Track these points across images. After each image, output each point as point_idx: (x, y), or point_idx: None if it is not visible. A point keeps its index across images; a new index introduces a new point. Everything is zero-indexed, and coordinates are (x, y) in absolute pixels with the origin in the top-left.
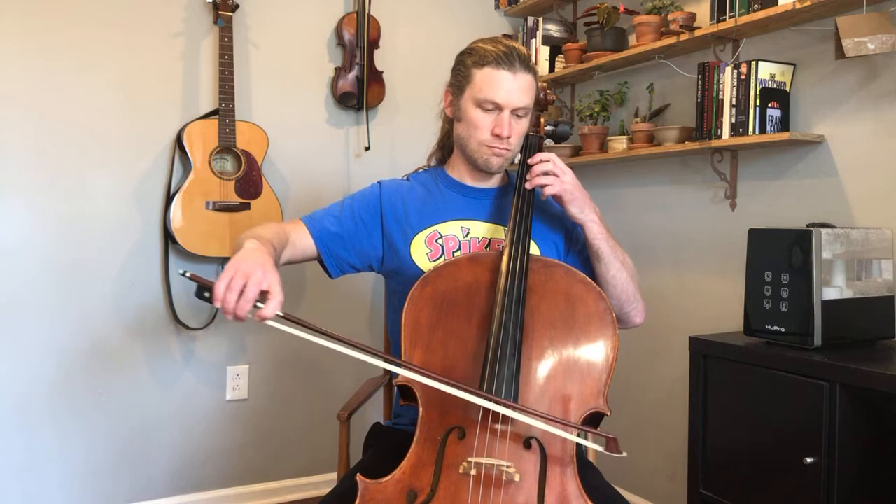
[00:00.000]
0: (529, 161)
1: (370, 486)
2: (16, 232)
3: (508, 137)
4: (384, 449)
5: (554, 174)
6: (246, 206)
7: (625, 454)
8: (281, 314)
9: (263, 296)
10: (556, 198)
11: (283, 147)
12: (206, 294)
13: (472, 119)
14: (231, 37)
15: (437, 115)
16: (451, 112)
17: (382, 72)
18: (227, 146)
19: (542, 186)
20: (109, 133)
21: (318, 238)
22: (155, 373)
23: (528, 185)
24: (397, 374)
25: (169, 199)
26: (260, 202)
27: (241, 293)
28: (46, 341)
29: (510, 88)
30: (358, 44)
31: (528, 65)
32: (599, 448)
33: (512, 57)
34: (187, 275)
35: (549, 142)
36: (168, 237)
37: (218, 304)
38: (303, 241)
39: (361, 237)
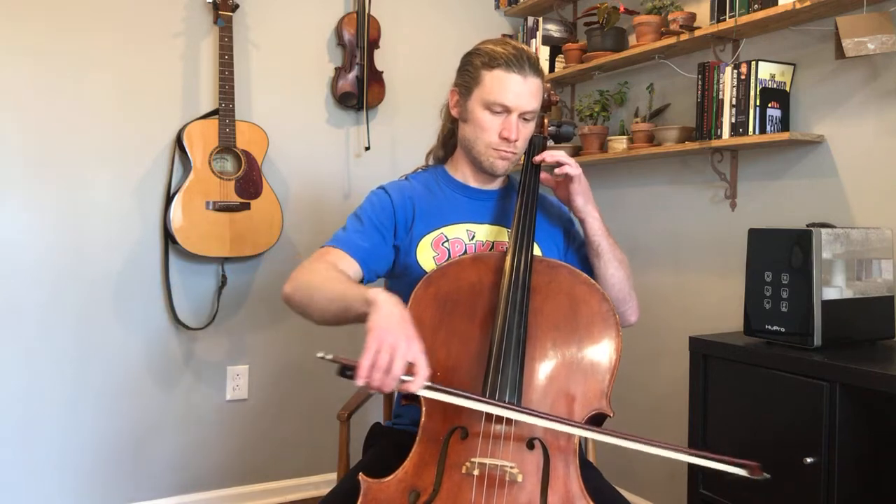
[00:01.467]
0: (536, 158)
1: (373, 486)
2: (16, 232)
3: (515, 141)
4: (385, 449)
5: (565, 163)
6: (246, 206)
7: (769, 476)
8: (429, 384)
9: (409, 367)
10: (566, 185)
11: (283, 147)
12: (349, 373)
13: (480, 121)
14: (231, 37)
15: (439, 114)
16: (457, 112)
17: (382, 72)
18: (227, 146)
19: (559, 165)
20: (109, 133)
21: (360, 260)
22: (155, 373)
23: (547, 158)
24: None
25: (169, 199)
26: (260, 202)
27: (387, 371)
28: (46, 341)
29: (520, 91)
30: (358, 44)
31: (537, 68)
32: (738, 471)
33: (522, 59)
34: (328, 357)
35: (551, 142)
36: (168, 237)
37: (362, 384)
38: (349, 269)
39: (384, 246)
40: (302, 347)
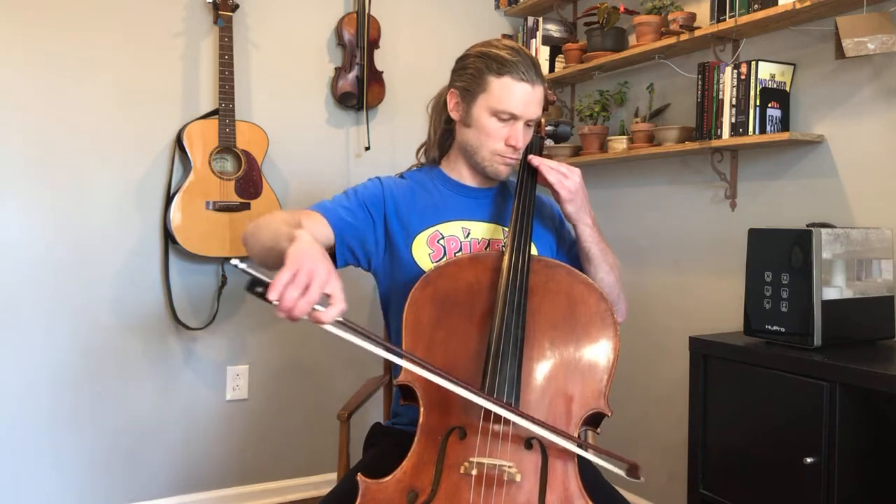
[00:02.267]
0: (532, 161)
1: (371, 486)
2: (16, 232)
3: (520, 148)
4: (384, 449)
5: (561, 172)
6: (246, 206)
7: (643, 479)
8: (340, 319)
9: (324, 299)
10: (555, 195)
11: (283, 147)
12: (260, 289)
13: (486, 127)
14: (231, 37)
15: (425, 109)
16: (457, 116)
17: (382, 72)
18: (227, 146)
19: (554, 175)
20: (109, 133)
21: (336, 227)
22: (155, 373)
23: (545, 174)
24: (399, 374)
25: (169, 199)
26: (260, 202)
27: (304, 291)
28: (46, 341)
29: (529, 101)
30: (358, 44)
31: (541, 75)
32: (617, 470)
33: (529, 67)
34: (241, 265)
35: (549, 142)
36: (168, 237)
37: (274, 299)
38: (320, 232)
39: (368, 230)
40: (302, 347)
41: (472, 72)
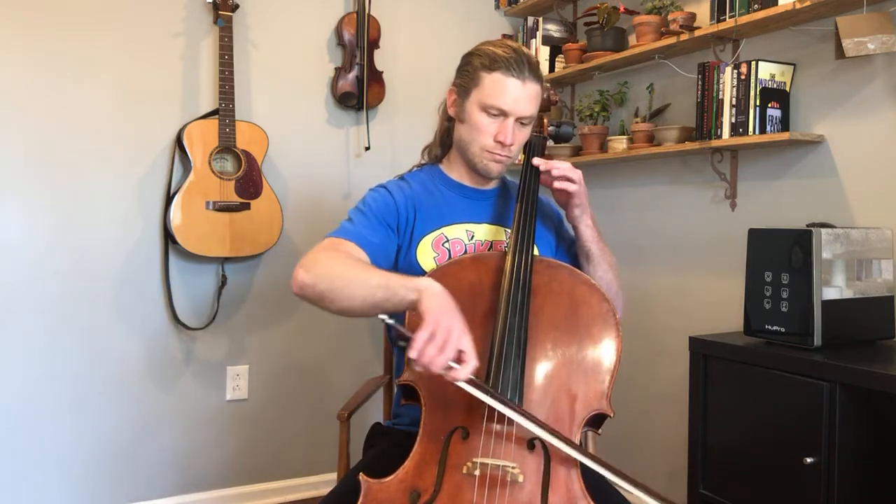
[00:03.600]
0: (536, 163)
1: (373, 486)
2: (16, 232)
3: (511, 145)
4: (385, 449)
5: (569, 178)
6: (246, 206)
7: None
8: (472, 378)
9: (458, 355)
10: (565, 196)
11: (284, 147)
12: (402, 343)
13: (477, 123)
14: (231, 37)
15: (436, 111)
16: (454, 112)
17: (382, 72)
18: (227, 146)
19: (562, 184)
20: (109, 133)
21: (371, 254)
22: (155, 373)
23: (553, 172)
24: (400, 374)
25: (169, 199)
26: (260, 202)
27: (442, 350)
28: (46, 341)
29: (518, 96)
30: (358, 44)
31: (537, 73)
32: (625, 484)
33: (522, 64)
34: (388, 321)
35: (551, 142)
36: (168, 237)
37: (413, 355)
38: (363, 259)
39: (389, 243)
40: (302, 348)
41: (468, 69)
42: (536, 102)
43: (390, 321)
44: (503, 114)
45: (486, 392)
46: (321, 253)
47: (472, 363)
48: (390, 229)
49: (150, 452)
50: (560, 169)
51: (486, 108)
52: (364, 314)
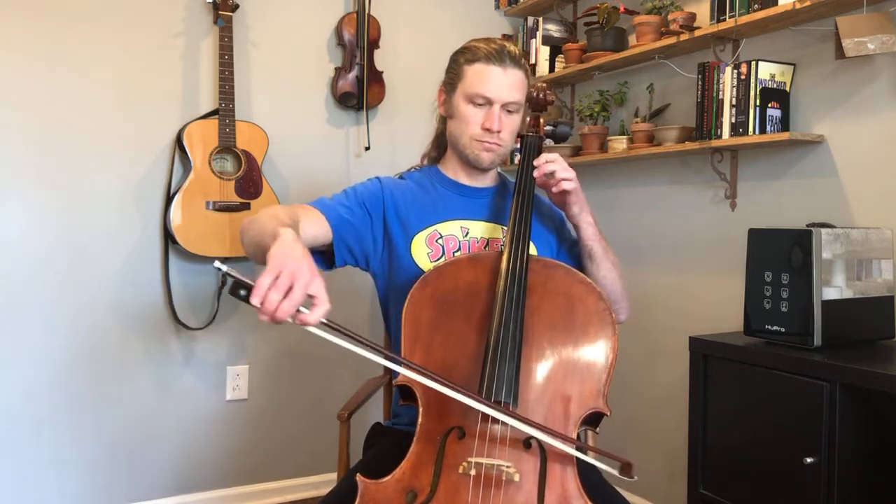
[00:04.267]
0: (536, 163)
1: (370, 486)
2: (15, 232)
3: (499, 132)
4: (384, 449)
5: (562, 178)
6: (246, 206)
7: (636, 478)
8: (325, 321)
9: (308, 300)
10: (562, 194)
11: (283, 147)
12: (243, 292)
13: (463, 114)
14: (231, 37)
15: (433, 116)
16: (444, 110)
17: (382, 72)
18: (227, 146)
19: (558, 181)
20: (109, 133)
21: (334, 225)
22: (155, 373)
23: (543, 169)
24: (398, 374)
25: (169, 199)
26: (260, 202)
27: (287, 295)
28: (46, 341)
29: (501, 84)
30: (358, 44)
31: (518, 61)
32: (610, 469)
33: (502, 53)
34: (224, 268)
35: (548, 142)
36: (168, 237)
37: (257, 303)
38: (317, 227)
39: (366, 229)
40: (302, 347)
41: (454, 66)
42: (521, 89)
43: (224, 268)
44: (488, 102)
45: (342, 334)
46: (273, 206)
47: (323, 306)
48: (368, 215)
49: (150, 452)
50: (550, 167)
51: (471, 99)
52: (257, 260)
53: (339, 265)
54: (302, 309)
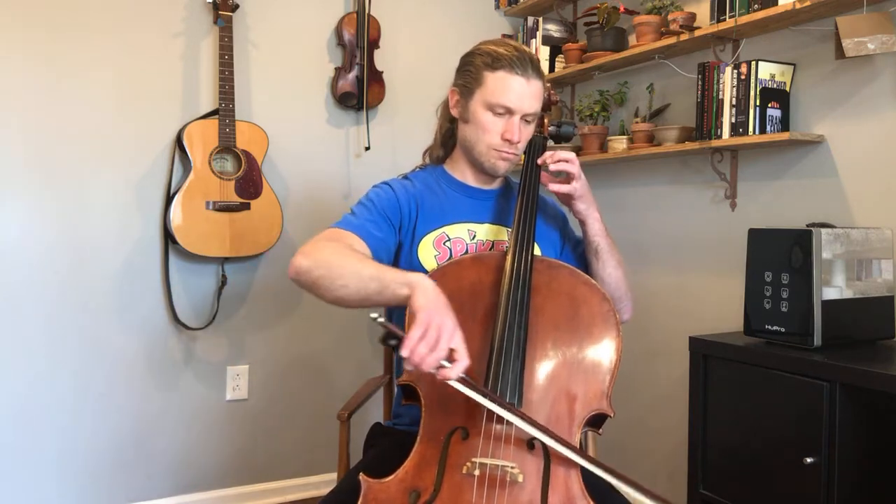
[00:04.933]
0: (550, 157)
1: (373, 486)
2: (16, 232)
3: (517, 143)
4: (385, 449)
5: (573, 174)
6: (246, 206)
7: None
8: (463, 376)
9: (450, 354)
10: (567, 195)
11: (283, 147)
12: (393, 342)
13: (482, 122)
14: (231, 37)
15: (435, 113)
16: (457, 112)
17: (382, 72)
18: (227, 146)
19: (566, 178)
20: (109, 133)
21: (372, 248)
22: (155, 373)
23: (551, 166)
24: (400, 374)
25: (169, 199)
26: (260, 202)
27: (433, 348)
28: (46, 341)
29: (523, 94)
30: (358, 44)
31: (539, 70)
32: (627, 488)
33: (525, 62)
34: (379, 320)
35: (551, 142)
36: (168, 237)
37: (405, 354)
38: (364, 252)
39: (392, 239)
40: (302, 347)
41: (470, 69)
42: (540, 98)
43: (381, 319)
44: (509, 112)
45: (479, 392)
46: (322, 241)
47: (463, 362)
48: (392, 226)
49: (150, 452)
50: (560, 163)
51: (491, 107)
52: (357, 305)
53: None
54: (444, 363)
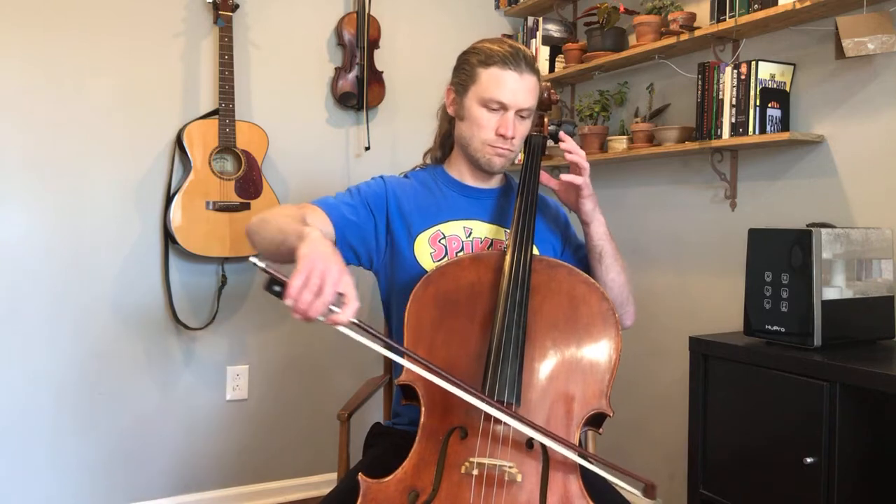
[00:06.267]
0: (568, 146)
1: (372, 486)
2: (16, 232)
3: (512, 138)
4: (385, 449)
5: (583, 167)
6: (246, 206)
7: (660, 501)
8: (355, 321)
9: (338, 299)
10: (575, 190)
11: (283, 147)
12: (277, 288)
13: (477, 118)
14: (231, 37)
15: (435, 115)
16: (453, 111)
17: (382, 72)
18: (227, 146)
19: (577, 171)
20: (109, 133)
21: (337, 225)
22: (155, 373)
23: (562, 145)
24: (400, 374)
25: (169, 199)
26: (260, 202)
27: (318, 293)
28: (47, 341)
29: (516, 89)
30: (358, 44)
31: (533, 66)
32: (632, 490)
33: (518, 57)
34: (260, 264)
35: (551, 142)
36: (168, 237)
37: (289, 302)
38: (322, 228)
39: (370, 228)
40: (302, 347)
41: (465, 66)
42: (535, 95)
43: (262, 264)
44: (503, 107)
45: (370, 335)
46: (279, 205)
47: (353, 304)
48: (375, 213)
49: (150, 452)
50: (573, 152)
51: (485, 103)
52: (275, 258)
53: None
54: (333, 308)
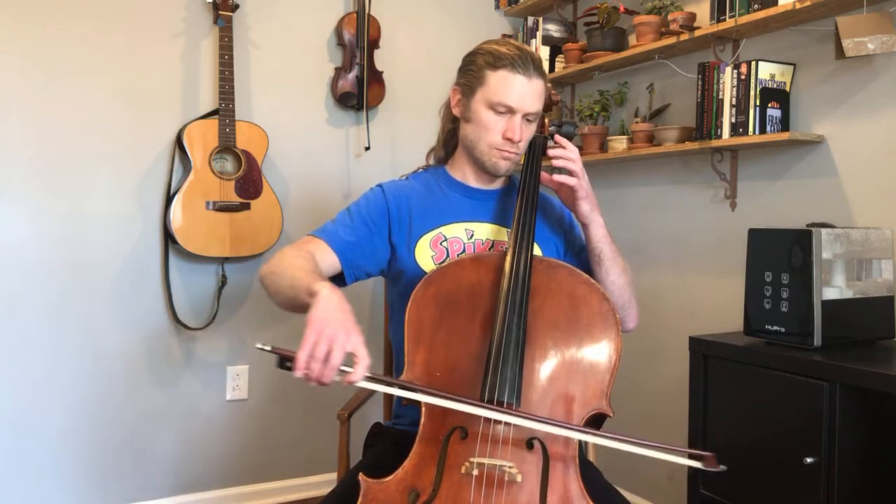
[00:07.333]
0: (556, 151)
1: (372, 486)
2: (16, 233)
3: (519, 142)
4: (385, 449)
5: (572, 170)
6: (246, 206)
7: (724, 468)
8: (369, 375)
9: (349, 358)
10: (571, 191)
11: (283, 147)
12: (288, 363)
13: (484, 121)
14: (231, 37)
15: (438, 113)
16: (458, 112)
17: (382, 72)
18: (227, 146)
19: (568, 173)
20: (109, 133)
21: (339, 252)
22: (155, 373)
23: (554, 162)
24: (400, 374)
25: (169, 199)
26: (260, 202)
27: (326, 360)
28: (47, 342)
29: (524, 92)
30: (358, 44)
31: (540, 69)
32: (694, 463)
33: (527, 61)
34: (267, 348)
35: (551, 142)
36: (168, 237)
37: (300, 374)
38: (327, 260)
39: (374, 241)
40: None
41: (472, 68)
42: (542, 98)
43: (267, 348)
44: (510, 111)
45: (385, 384)
46: (286, 250)
47: (363, 362)
48: (375, 228)
49: (150, 452)
50: (562, 159)
51: (493, 106)
52: (292, 310)
53: (349, 283)
54: (344, 369)
